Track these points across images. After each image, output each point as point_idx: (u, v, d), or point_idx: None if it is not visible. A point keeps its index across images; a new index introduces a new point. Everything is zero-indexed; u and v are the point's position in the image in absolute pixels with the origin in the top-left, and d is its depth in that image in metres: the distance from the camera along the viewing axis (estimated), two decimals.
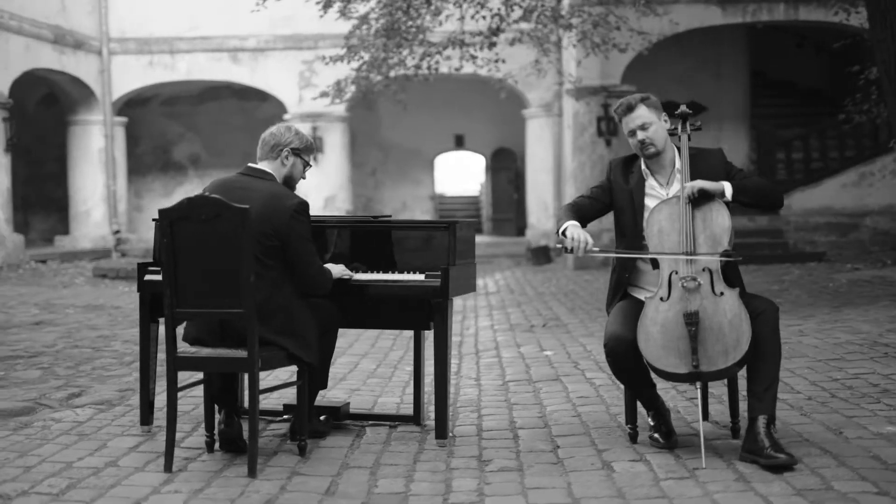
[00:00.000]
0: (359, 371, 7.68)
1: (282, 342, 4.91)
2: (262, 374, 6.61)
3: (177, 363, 4.81)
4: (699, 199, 4.97)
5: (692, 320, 4.72)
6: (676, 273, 4.88)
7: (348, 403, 5.82)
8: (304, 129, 20.58)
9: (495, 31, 12.95)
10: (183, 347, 4.98)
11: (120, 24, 20.50)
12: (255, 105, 23.00)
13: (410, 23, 12.73)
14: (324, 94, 14.35)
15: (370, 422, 5.77)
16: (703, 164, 5.13)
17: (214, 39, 20.56)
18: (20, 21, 18.02)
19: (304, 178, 5.42)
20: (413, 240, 5.53)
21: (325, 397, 6.56)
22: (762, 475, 4.45)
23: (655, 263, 5.02)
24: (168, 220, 4.69)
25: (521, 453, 5.02)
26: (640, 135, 5.07)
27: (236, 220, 4.62)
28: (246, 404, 6.04)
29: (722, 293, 4.81)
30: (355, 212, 22.51)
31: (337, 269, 5.29)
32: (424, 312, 5.40)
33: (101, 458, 4.99)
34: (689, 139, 5.21)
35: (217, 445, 5.12)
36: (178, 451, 5.13)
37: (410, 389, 6.78)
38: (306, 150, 5.32)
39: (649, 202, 5.16)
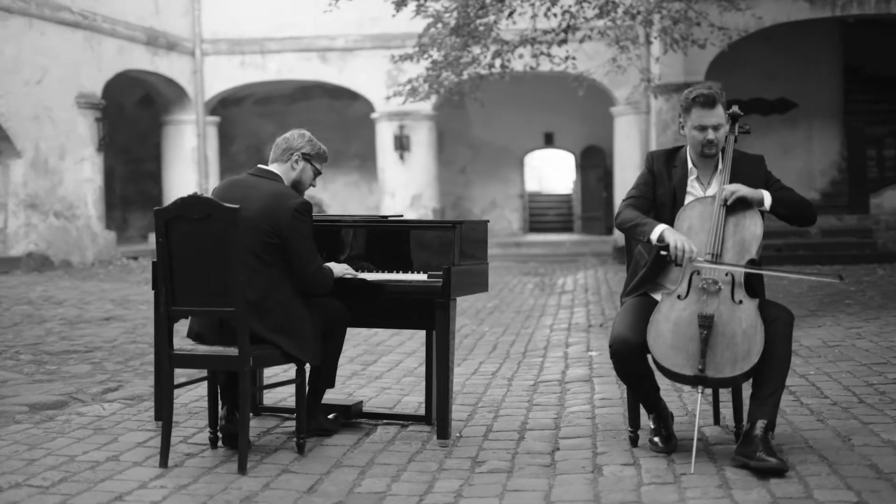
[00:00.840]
0: (398, 369, 7.70)
1: (277, 340, 4.95)
2: (274, 370, 6.74)
3: (172, 360, 4.89)
4: (735, 205, 4.86)
5: (706, 323, 4.62)
6: (699, 274, 4.78)
7: (361, 402, 5.85)
8: (392, 127, 20.75)
9: (566, 30, 12.84)
10: (182, 344, 5.06)
11: (212, 26, 20.88)
12: (346, 104, 23.22)
13: (479, 21, 12.69)
14: (397, 94, 14.41)
15: (384, 421, 5.78)
16: (744, 168, 5.01)
17: (304, 39, 20.80)
18: (113, 24, 18.49)
19: (313, 185, 5.44)
20: (419, 240, 5.52)
21: (352, 395, 6.61)
22: (747, 481, 4.34)
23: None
24: (163, 220, 4.77)
25: (518, 455, 4.98)
26: (712, 134, 4.90)
27: (227, 219, 4.67)
28: (264, 402, 6.15)
29: (741, 301, 4.70)
30: (443, 210, 22.59)
31: (339, 269, 5.32)
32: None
33: (105, 452, 5.10)
34: (736, 141, 5.09)
35: (220, 442, 5.20)
36: (184, 446, 5.24)
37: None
38: (317, 158, 5.36)
39: (689, 200, 5.05)
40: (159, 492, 4.41)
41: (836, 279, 4.97)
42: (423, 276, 5.29)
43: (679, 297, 4.76)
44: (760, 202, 4.86)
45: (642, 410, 5.09)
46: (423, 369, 7.63)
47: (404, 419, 5.79)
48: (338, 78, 20.95)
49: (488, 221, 5.90)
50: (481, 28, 12.73)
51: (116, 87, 20.73)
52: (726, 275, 4.75)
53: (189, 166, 21.17)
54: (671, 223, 4.94)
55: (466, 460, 4.91)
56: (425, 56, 13.32)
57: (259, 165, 5.33)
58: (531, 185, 27.81)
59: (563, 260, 19.85)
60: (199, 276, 4.79)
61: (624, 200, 5.14)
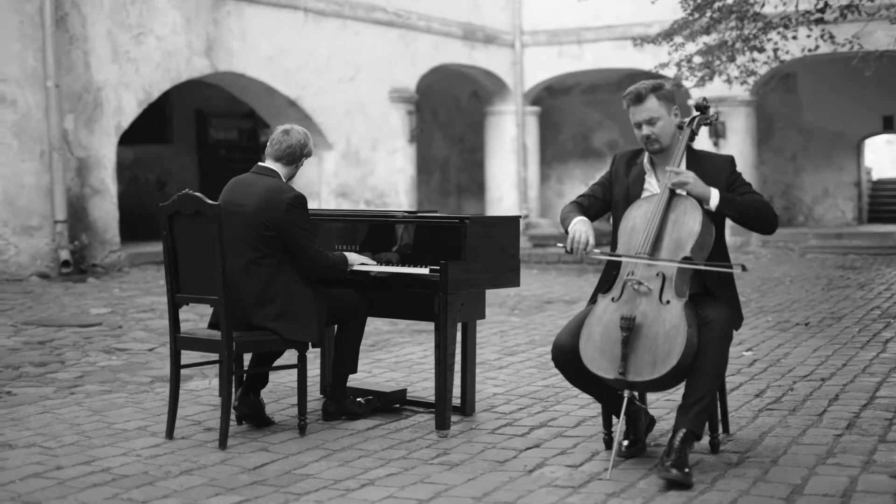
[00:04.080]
0: (525, 363, 7.77)
1: (274, 327, 5.31)
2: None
3: (178, 343, 5.39)
4: (678, 200, 4.69)
5: (626, 325, 4.49)
6: (632, 274, 4.66)
7: (405, 389, 6.07)
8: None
9: (822, 9, 12.12)
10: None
11: (531, 18, 21.40)
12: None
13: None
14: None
15: (423, 409, 5.97)
16: (706, 166, 4.83)
17: (619, 28, 20.79)
18: (428, 21, 19.44)
19: None
20: (430, 235, 5.66)
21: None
22: (644, 490, 4.22)
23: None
24: (166, 215, 5.28)
25: (489, 450, 5.03)
26: (646, 130, 4.82)
27: (211, 214, 5.09)
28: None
29: (668, 302, 4.52)
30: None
31: (355, 258, 5.60)
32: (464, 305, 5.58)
33: (144, 422, 5.67)
34: (696, 135, 4.92)
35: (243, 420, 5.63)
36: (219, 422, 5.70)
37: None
38: (311, 154, 5.69)
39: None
40: (125, 459, 4.89)
41: (739, 269, 4.62)
42: (426, 270, 5.45)
43: (612, 299, 4.64)
44: (707, 200, 4.62)
45: None
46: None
47: None
48: (651, 65, 20.71)
49: (520, 217, 5.93)
50: (727, 7, 12.35)
51: (450, 82, 21.79)
52: (657, 275, 4.57)
53: (509, 156, 21.85)
54: None
55: (434, 451, 5.03)
56: (668, 41, 13.12)
57: (259, 163, 5.66)
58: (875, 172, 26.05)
59: (889, 253, 18.57)
60: (196, 267, 5.25)
61: (574, 199, 5.08)
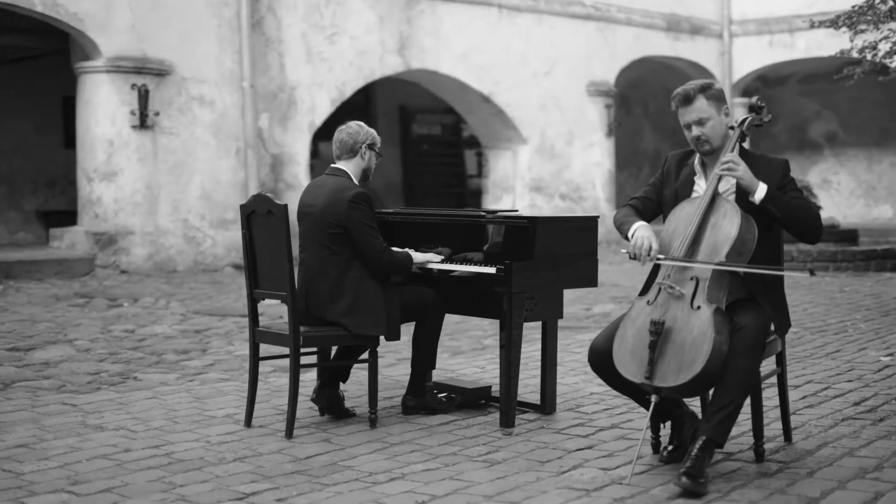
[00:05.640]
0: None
1: (344, 322, 5.50)
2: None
3: (256, 336, 5.66)
4: (719, 202, 4.60)
5: (655, 329, 4.43)
6: (668, 278, 4.60)
7: (489, 386, 6.14)
8: None
9: None
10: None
11: (740, 7, 20.85)
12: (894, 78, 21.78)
13: None
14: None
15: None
16: (758, 168, 4.70)
17: (833, 14, 19.92)
18: (628, 13, 19.27)
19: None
20: (501, 234, 5.70)
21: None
22: (651, 498, 4.15)
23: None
24: (245, 214, 5.57)
25: (539, 450, 5.05)
26: (696, 130, 4.74)
27: (279, 214, 5.34)
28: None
29: (699, 307, 4.43)
30: None
31: (420, 256, 5.73)
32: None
33: (235, 409, 5.98)
34: (747, 136, 4.80)
35: (325, 411, 5.86)
36: (303, 412, 5.95)
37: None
38: (376, 143, 5.82)
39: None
40: (193, 444, 5.19)
41: (807, 273, 4.46)
42: (492, 270, 5.50)
43: (648, 302, 4.57)
44: (753, 192, 4.50)
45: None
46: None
47: (523, 406, 5.98)
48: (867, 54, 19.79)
49: (598, 217, 5.88)
50: None
51: (659, 72, 21.52)
52: (691, 279, 4.47)
53: None
54: None
55: (486, 448, 5.09)
56: (849, 27, 12.57)
57: (332, 164, 5.84)
58: None
59: None
60: (270, 264, 5.51)
61: (626, 202, 5.01)
